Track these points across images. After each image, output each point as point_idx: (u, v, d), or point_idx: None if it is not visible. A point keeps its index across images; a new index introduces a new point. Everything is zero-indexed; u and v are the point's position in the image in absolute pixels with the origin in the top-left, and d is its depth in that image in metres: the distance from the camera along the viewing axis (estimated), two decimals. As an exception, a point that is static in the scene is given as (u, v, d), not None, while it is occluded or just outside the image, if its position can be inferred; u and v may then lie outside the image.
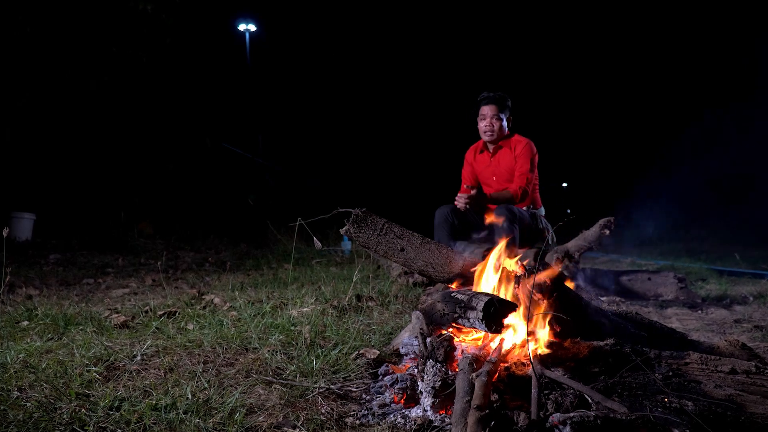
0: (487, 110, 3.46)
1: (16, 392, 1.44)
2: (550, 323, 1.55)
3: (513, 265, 1.65)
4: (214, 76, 12.46)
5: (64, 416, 1.32)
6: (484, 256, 1.93)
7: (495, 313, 1.53)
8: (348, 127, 21.95)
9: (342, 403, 1.52)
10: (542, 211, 3.57)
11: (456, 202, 3.14)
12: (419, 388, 1.51)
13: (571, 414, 1.19)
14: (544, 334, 1.57)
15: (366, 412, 1.48)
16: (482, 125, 3.49)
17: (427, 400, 1.44)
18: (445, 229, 3.28)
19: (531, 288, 1.50)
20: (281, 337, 1.98)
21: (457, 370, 1.40)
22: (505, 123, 3.48)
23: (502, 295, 1.72)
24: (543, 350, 1.51)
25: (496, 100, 3.45)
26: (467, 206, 3.09)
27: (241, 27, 15.84)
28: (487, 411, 1.21)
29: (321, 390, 1.55)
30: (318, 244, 1.99)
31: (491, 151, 3.57)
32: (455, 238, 3.35)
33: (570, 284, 1.74)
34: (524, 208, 3.37)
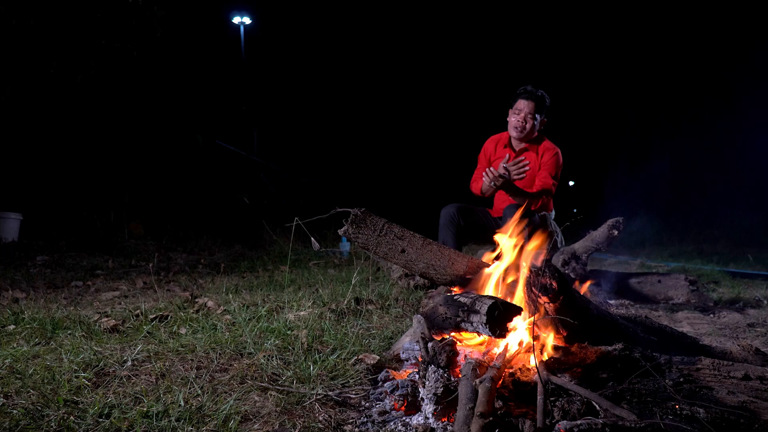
0: (524, 105, 3.23)
1: (2, 399, 1.40)
2: (556, 327, 1.52)
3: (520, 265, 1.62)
4: (208, 71, 12.34)
5: (52, 424, 1.28)
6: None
7: (499, 316, 1.49)
8: (347, 124, 21.76)
9: (340, 411, 1.48)
10: (552, 214, 3.45)
11: (485, 175, 2.95)
12: (420, 395, 1.47)
13: (578, 421, 1.17)
14: (550, 338, 1.53)
15: (365, 419, 1.45)
16: (514, 119, 3.27)
17: (428, 407, 1.41)
18: (451, 231, 3.14)
19: (537, 291, 1.47)
20: (277, 341, 1.94)
21: (460, 376, 1.37)
22: (537, 124, 3.28)
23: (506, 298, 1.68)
24: (549, 355, 1.48)
25: (536, 98, 3.23)
26: (494, 185, 2.91)
27: (236, 20, 15.76)
28: (491, 418, 1.18)
29: (318, 397, 1.51)
30: (316, 244, 1.94)
31: (516, 150, 3.36)
32: (461, 240, 3.24)
33: (577, 286, 1.71)
34: (536, 214, 3.29)
